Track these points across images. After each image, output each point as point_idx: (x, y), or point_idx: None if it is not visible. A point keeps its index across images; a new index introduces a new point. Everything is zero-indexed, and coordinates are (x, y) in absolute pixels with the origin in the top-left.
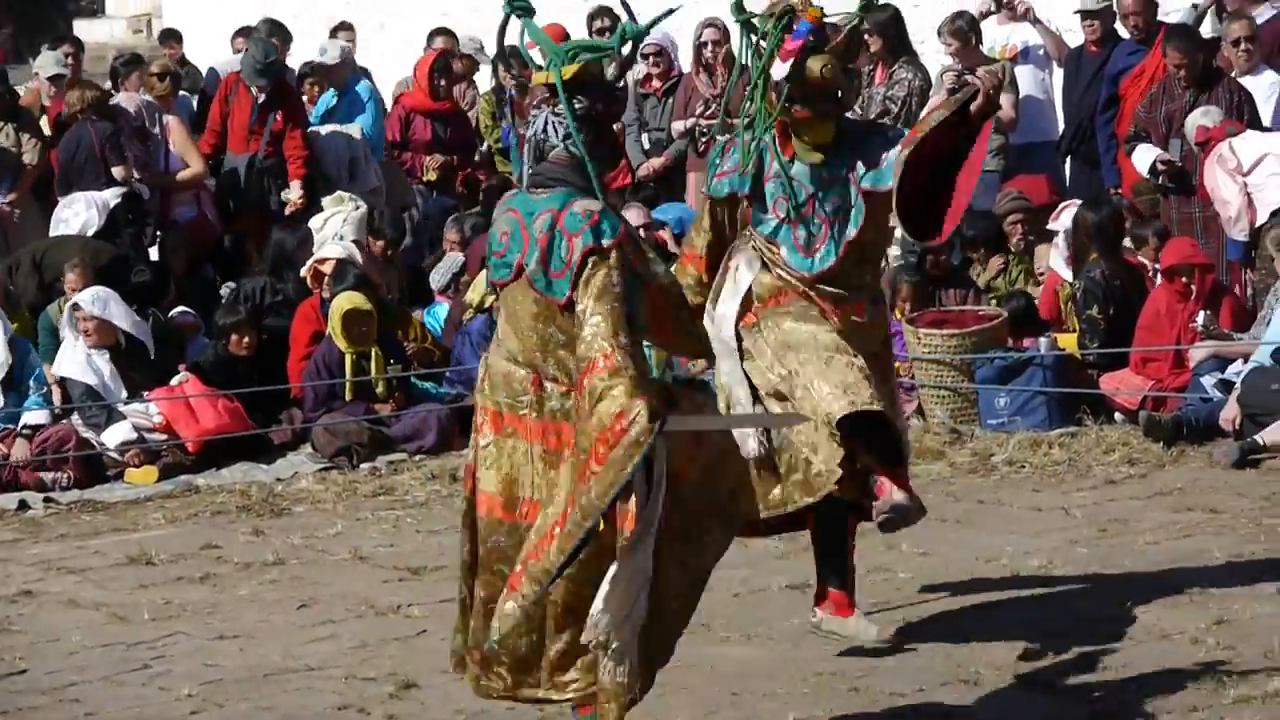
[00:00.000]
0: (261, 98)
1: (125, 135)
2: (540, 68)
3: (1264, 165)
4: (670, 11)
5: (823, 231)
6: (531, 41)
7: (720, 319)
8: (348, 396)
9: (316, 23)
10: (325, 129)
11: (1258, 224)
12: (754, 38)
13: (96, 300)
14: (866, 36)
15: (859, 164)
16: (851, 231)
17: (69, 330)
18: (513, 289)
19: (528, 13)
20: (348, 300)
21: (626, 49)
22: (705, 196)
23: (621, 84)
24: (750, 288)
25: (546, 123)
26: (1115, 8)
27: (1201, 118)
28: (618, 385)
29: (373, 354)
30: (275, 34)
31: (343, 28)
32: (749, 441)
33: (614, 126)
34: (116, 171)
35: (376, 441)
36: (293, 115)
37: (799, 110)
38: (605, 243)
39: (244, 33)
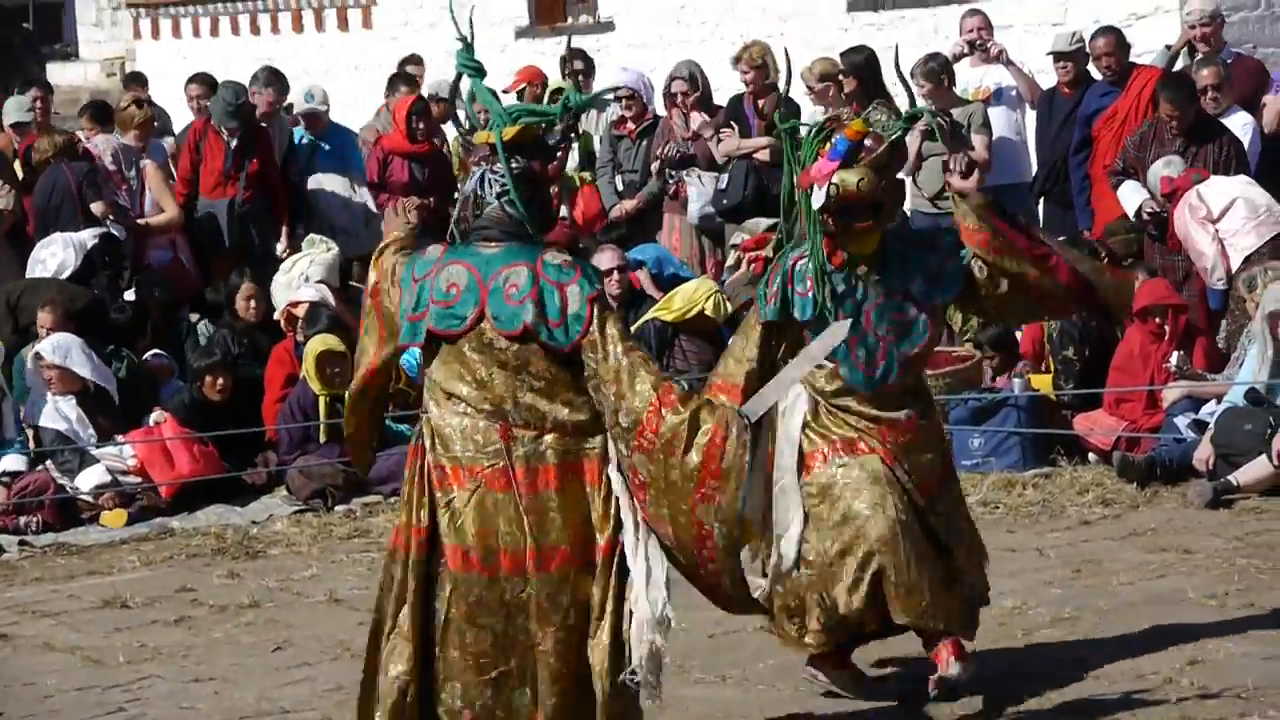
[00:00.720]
0: (234, 142)
1: (101, 176)
2: (482, 127)
3: (1233, 210)
4: (615, 91)
5: (880, 348)
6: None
7: (781, 472)
8: (322, 439)
9: (289, 67)
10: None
11: (1234, 270)
12: (796, 153)
13: (57, 349)
14: (841, 77)
15: (918, 279)
16: (910, 349)
17: (34, 378)
18: (470, 340)
19: (479, 73)
20: (321, 343)
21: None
22: (758, 322)
23: (560, 149)
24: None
25: (483, 179)
26: (1087, 50)
27: (1164, 169)
28: (698, 409)
29: (347, 396)
30: (273, 82)
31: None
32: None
33: (551, 189)
34: (95, 208)
35: (351, 484)
36: (268, 159)
37: (834, 222)
38: (598, 288)
39: (198, 79)
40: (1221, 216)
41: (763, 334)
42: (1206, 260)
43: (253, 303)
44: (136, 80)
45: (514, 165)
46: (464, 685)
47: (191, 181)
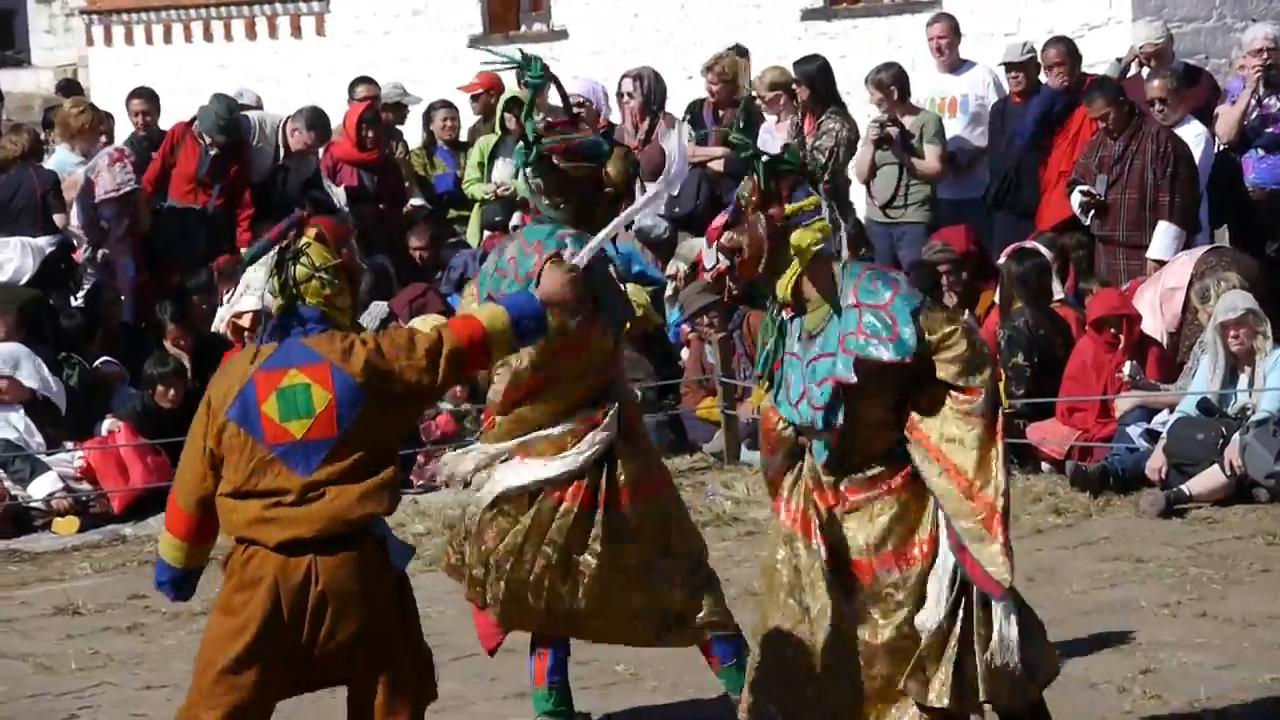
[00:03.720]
0: (214, 150)
1: (65, 185)
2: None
3: (1173, 261)
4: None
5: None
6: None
7: None
8: None
9: (245, 74)
10: None
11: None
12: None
13: (6, 361)
14: (795, 86)
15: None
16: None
17: None
18: None
19: (534, 87)
20: None
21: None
22: None
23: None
24: None
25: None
26: (1039, 60)
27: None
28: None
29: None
30: (315, 126)
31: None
32: None
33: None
34: (58, 219)
35: None
36: (245, 170)
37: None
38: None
39: (139, 94)
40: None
41: None
42: (1159, 333)
43: (171, 391)
44: (73, 90)
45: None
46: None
47: (159, 185)
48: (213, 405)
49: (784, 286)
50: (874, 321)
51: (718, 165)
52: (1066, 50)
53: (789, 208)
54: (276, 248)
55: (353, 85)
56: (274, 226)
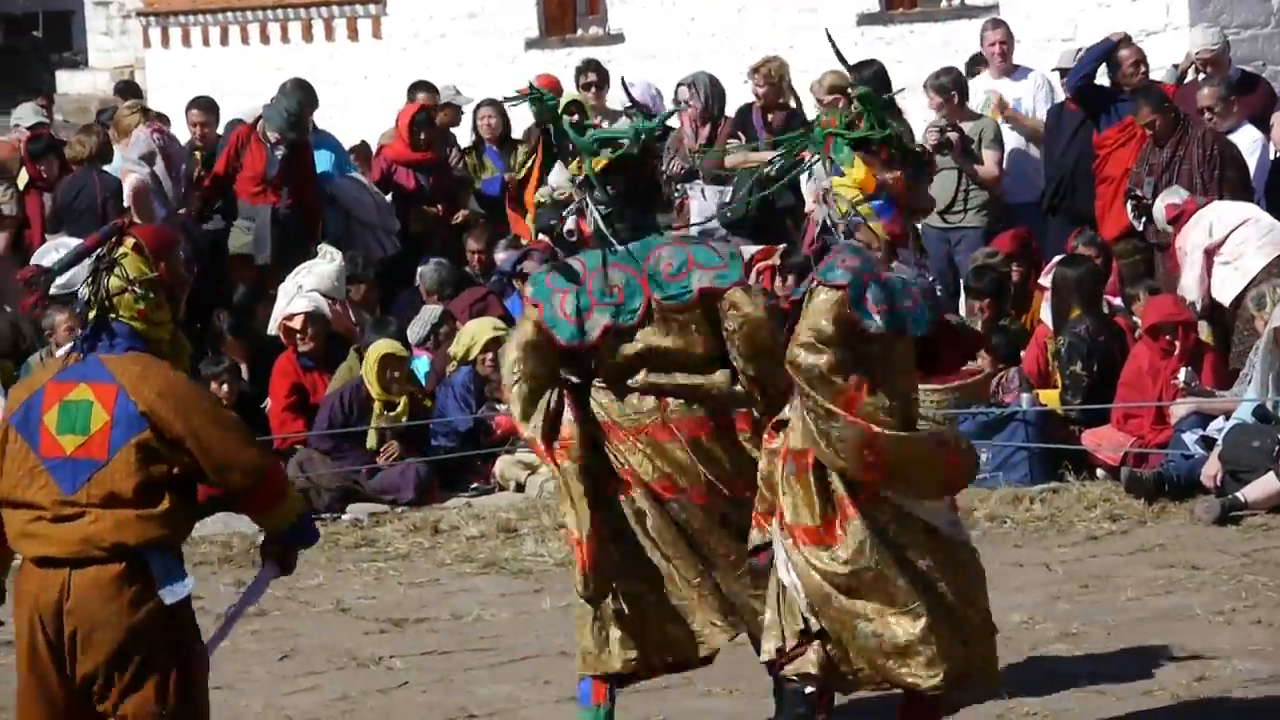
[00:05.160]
0: (280, 150)
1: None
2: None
3: (1239, 233)
4: (673, 112)
5: None
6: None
7: None
8: (369, 443)
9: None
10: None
11: (1209, 300)
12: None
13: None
14: (850, 90)
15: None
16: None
17: None
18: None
19: (552, 109)
20: (385, 346)
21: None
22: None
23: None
24: None
25: (582, 207)
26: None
27: (1169, 195)
28: None
29: (402, 402)
30: (298, 92)
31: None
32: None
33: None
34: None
35: (350, 495)
36: (310, 170)
37: None
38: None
39: (197, 104)
40: (1225, 240)
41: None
42: (1188, 290)
43: (225, 388)
44: (131, 92)
45: (610, 189)
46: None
47: (219, 185)
48: (10, 406)
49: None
50: None
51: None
52: (1139, 53)
53: None
54: (94, 256)
55: (412, 89)
56: (91, 234)
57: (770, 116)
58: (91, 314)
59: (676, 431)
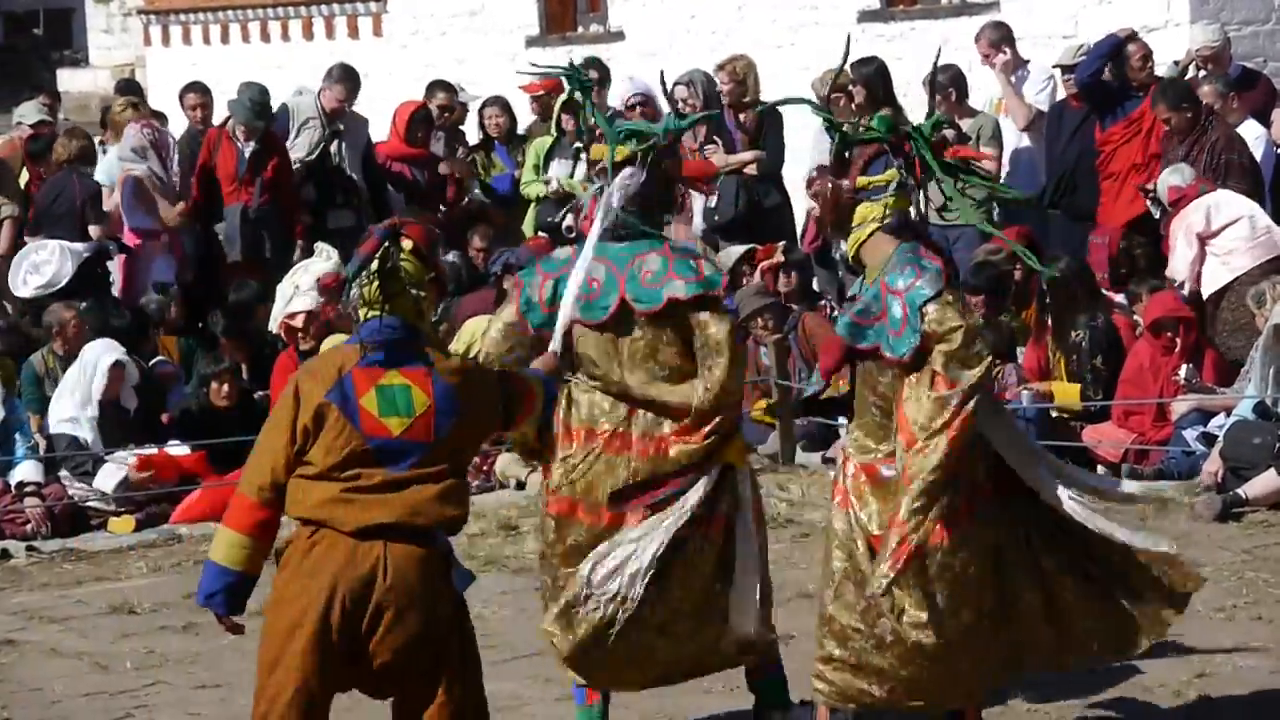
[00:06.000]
0: (249, 148)
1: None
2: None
3: (1235, 228)
4: (709, 116)
5: None
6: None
7: None
8: None
9: (302, 75)
10: None
11: (1202, 290)
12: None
13: (111, 350)
14: (851, 87)
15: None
16: None
17: (91, 381)
18: (614, 326)
19: (585, 90)
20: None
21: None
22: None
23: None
24: None
25: (612, 192)
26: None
27: (1172, 177)
28: None
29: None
30: (344, 80)
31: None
32: None
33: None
34: (93, 230)
35: None
36: (284, 165)
37: None
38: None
39: (192, 88)
40: (1220, 232)
41: None
42: (1179, 273)
43: (225, 387)
44: (131, 90)
45: (627, 180)
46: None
47: (206, 189)
48: (302, 392)
49: (851, 247)
50: (896, 313)
51: (753, 170)
52: (1145, 49)
53: (860, 180)
54: (374, 259)
55: (430, 88)
56: (367, 239)
57: (743, 117)
58: (373, 312)
59: (631, 449)
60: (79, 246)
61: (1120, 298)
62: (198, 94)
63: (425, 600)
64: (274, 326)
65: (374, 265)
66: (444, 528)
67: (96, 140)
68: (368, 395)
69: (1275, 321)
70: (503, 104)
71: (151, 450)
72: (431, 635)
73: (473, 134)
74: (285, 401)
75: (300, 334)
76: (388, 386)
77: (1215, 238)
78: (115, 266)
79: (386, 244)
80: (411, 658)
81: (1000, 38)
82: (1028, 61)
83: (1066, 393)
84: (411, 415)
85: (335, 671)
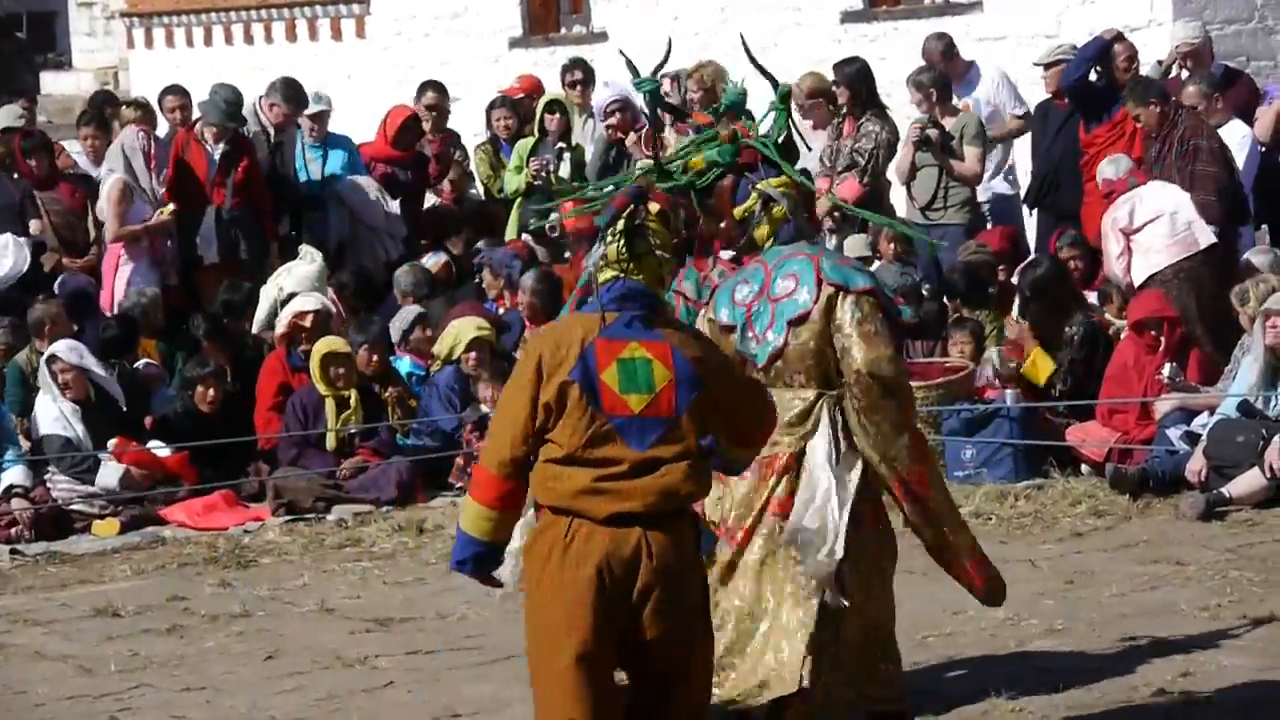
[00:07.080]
0: (220, 147)
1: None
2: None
3: (1155, 225)
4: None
5: None
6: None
7: None
8: (329, 445)
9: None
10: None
11: (1135, 285)
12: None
13: (73, 350)
14: (834, 88)
15: None
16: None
17: (51, 385)
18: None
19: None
20: (326, 344)
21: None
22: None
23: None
24: None
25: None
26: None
27: (1107, 168)
28: None
29: (352, 397)
30: (291, 97)
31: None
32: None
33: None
34: (33, 225)
35: (331, 498)
36: (254, 166)
37: None
38: None
39: (172, 90)
40: (1142, 228)
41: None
42: (1111, 268)
43: (210, 391)
44: (107, 98)
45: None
46: None
47: (178, 193)
48: (546, 363)
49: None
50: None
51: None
52: (1130, 49)
53: (736, 211)
54: (622, 217)
55: (422, 88)
56: (616, 195)
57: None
58: (613, 273)
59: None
60: (24, 240)
61: (1093, 297)
62: (177, 96)
63: (686, 573)
64: (257, 329)
65: (620, 224)
66: (690, 502)
67: (81, 139)
68: (609, 370)
69: (1264, 307)
70: (510, 105)
71: (132, 445)
72: (694, 605)
73: (481, 135)
74: (525, 372)
75: (306, 335)
76: (629, 360)
77: (1138, 233)
78: (106, 268)
79: (634, 204)
80: (677, 628)
81: (945, 47)
82: (973, 63)
83: (1041, 366)
84: (653, 391)
85: (613, 652)
